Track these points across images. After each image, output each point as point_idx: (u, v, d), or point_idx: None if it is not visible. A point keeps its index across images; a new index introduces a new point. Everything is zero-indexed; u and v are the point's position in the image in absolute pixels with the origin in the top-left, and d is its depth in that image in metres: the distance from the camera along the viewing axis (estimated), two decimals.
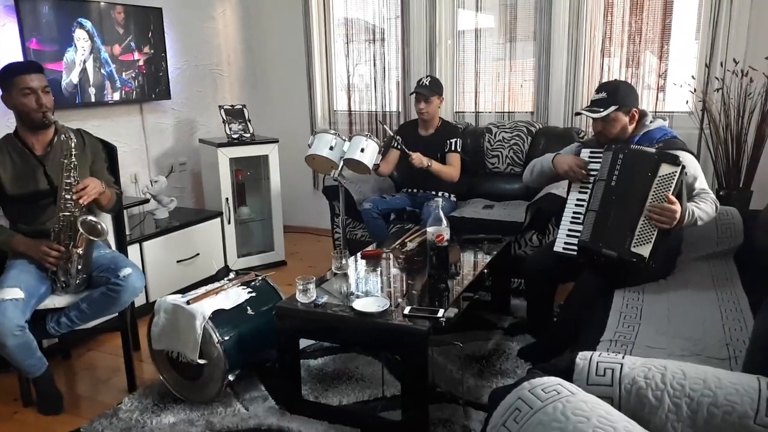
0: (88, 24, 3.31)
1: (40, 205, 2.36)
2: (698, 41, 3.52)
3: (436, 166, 3.45)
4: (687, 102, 3.50)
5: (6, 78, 2.28)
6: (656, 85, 3.63)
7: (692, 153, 2.38)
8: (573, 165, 2.47)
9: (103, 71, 3.42)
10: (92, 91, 3.38)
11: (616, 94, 2.38)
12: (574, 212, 2.44)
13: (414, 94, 3.54)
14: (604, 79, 3.65)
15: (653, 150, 2.24)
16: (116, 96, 3.50)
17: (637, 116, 2.43)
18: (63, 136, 2.28)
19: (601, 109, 2.38)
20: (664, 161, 2.17)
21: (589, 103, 2.48)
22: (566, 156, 2.57)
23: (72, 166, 2.26)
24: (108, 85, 3.46)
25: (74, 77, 3.28)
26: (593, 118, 2.43)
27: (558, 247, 2.44)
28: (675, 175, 2.15)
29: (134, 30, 3.56)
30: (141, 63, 3.64)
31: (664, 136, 2.41)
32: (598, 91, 2.45)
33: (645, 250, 2.17)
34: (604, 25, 3.65)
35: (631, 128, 2.43)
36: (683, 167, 2.17)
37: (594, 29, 3.67)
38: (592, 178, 2.40)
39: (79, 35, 3.29)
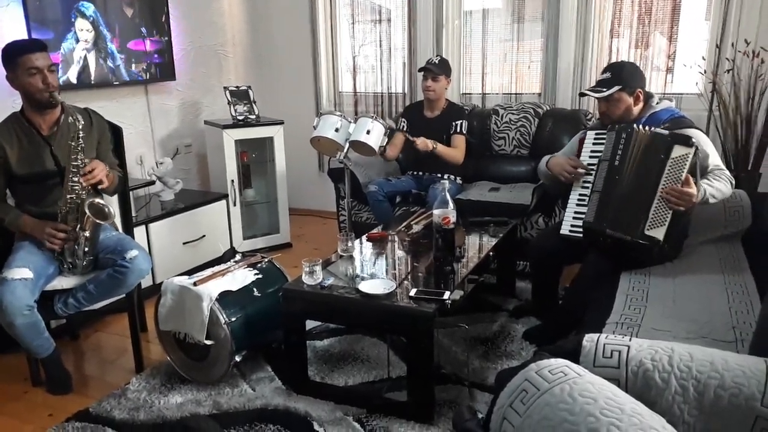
0: (90, 9, 3.06)
1: (47, 186, 2.36)
2: (709, 21, 3.47)
3: (441, 148, 3.43)
4: (696, 84, 3.46)
5: (10, 58, 2.25)
6: (665, 67, 3.59)
7: (701, 131, 2.37)
8: (565, 166, 2.46)
9: (109, 64, 3.26)
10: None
11: (621, 74, 2.37)
12: (580, 194, 2.42)
13: (422, 71, 3.51)
14: (613, 60, 3.62)
15: (666, 132, 2.21)
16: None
17: (642, 98, 2.41)
18: (71, 118, 2.27)
19: (605, 89, 2.37)
20: (676, 143, 2.15)
21: (594, 83, 2.46)
22: (558, 158, 2.57)
23: (79, 148, 2.26)
24: (113, 79, 3.37)
25: (72, 75, 3.10)
26: (596, 98, 2.42)
27: (564, 229, 2.43)
28: (688, 157, 2.13)
29: (143, 13, 3.48)
30: (152, 52, 3.51)
31: (671, 117, 2.39)
32: (603, 71, 2.45)
33: (659, 233, 2.15)
34: (613, 5, 3.60)
35: (636, 110, 2.42)
36: (697, 148, 2.15)
37: (603, 9, 3.62)
38: (596, 160, 2.38)
39: (81, 25, 3.02)
